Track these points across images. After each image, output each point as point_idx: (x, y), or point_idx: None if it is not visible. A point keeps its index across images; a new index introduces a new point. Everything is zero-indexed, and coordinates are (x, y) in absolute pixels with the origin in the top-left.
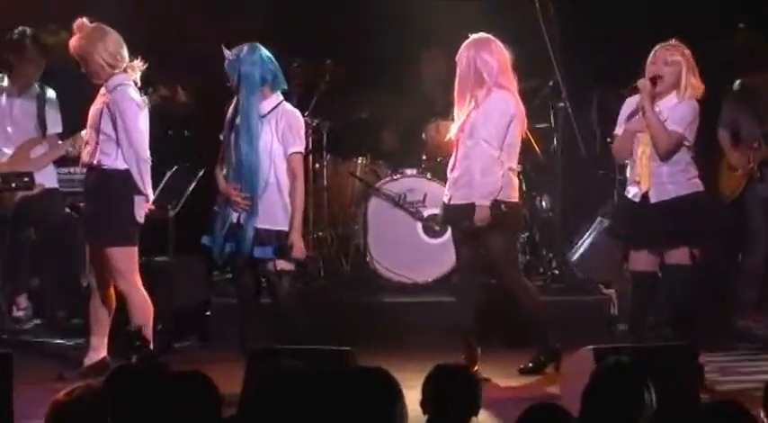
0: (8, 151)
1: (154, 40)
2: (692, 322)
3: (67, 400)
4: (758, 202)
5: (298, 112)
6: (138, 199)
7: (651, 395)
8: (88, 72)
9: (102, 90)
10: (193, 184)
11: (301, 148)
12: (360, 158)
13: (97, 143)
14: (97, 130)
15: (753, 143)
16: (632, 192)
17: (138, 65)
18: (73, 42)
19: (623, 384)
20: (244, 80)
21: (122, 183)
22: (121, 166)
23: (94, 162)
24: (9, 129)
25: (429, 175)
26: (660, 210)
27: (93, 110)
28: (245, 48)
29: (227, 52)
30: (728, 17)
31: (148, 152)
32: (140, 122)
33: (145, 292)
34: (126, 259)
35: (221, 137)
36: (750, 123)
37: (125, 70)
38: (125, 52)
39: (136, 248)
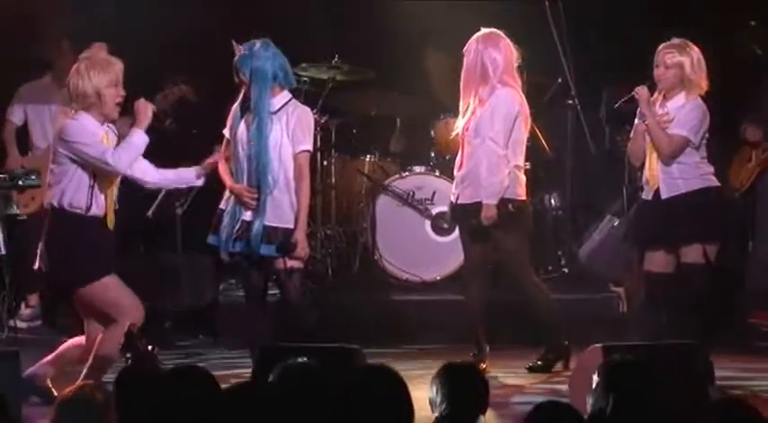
0: None
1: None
2: (705, 321)
3: (74, 396)
4: None
5: (309, 110)
6: None
7: (658, 393)
8: None
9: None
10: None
11: (310, 147)
12: (368, 156)
13: None
14: None
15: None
16: (645, 192)
17: None
18: None
19: (630, 382)
20: (255, 75)
21: None
22: None
23: None
24: (49, 126)
25: (438, 173)
26: (673, 205)
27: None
28: (258, 43)
29: (237, 47)
30: (740, 14)
31: None
32: None
33: None
34: None
35: (225, 133)
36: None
37: None
38: None
39: None
